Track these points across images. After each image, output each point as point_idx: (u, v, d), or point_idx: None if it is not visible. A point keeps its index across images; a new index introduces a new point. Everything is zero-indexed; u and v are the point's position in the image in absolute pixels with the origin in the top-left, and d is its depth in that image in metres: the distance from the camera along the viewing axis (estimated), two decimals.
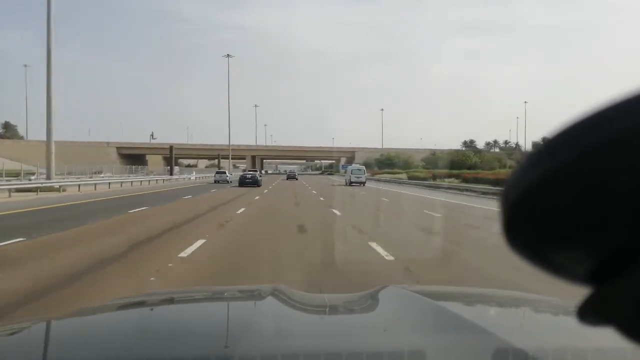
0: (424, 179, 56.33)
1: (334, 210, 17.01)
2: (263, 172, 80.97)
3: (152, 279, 6.35)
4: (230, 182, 46.94)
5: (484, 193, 28.15)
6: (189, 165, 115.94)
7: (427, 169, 74.90)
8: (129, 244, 9.07)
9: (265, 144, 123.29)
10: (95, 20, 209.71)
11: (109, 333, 1.48)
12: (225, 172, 53.03)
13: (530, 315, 1.86)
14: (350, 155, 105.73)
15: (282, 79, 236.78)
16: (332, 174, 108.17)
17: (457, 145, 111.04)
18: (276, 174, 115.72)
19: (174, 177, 56.88)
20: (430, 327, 1.44)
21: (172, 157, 62.06)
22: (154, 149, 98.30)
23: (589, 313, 0.45)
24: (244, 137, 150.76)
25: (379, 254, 8.29)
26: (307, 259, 7.72)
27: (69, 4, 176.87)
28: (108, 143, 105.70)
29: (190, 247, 8.61)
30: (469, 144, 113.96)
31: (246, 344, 1.23)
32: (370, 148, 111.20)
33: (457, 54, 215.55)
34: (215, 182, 48.21)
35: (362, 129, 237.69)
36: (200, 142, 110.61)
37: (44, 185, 26.42)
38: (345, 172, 55.71)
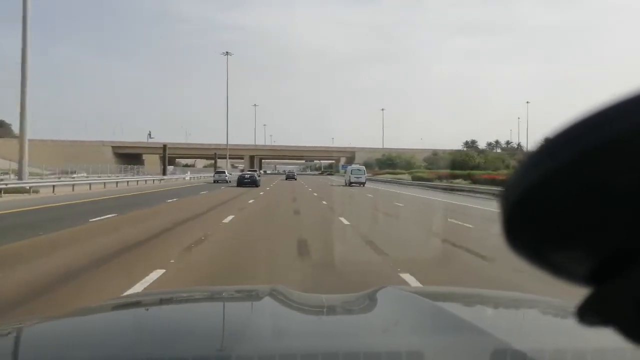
0: (429, 179, 54.26)
1: (343, 220, 14.10)
2: (261, 172, 79.66)
3: None
4: (229, 181, 46.56)
5: None
6: (186, 165, 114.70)
7: (429, 169, 73.29)
8: (53, 277, 6.25)
9: (264, 144, 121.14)
10: (94, 19, 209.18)
11: (107, 333, 1.46)
12: (224, 172, 53.01)
13: (529, 315, 1.83)
14: (350, 155, 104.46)
15: (282, 79, 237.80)
16: (331, 174, 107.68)
17: (457, 145, 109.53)
18: (275, 174, 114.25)
19: (167, 177, 53.86)
20: (429, 328, 1.41)
21: (165, 156, 59.33)
22: (150, 149, 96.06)
23: (589, 313, 0.45)
24: (243, 138, 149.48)
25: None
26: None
27: (69, 3, 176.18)
28: (103, 142, 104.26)
29: (137, 286, 5.74)
30: (471, 144, 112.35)
31: (244, 344, 1.22)
32: (370, 148, 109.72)
33: (457, 54, 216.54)
34: (214, 182, 48.23)
35: (361, 129, 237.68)
36: (198, 142, 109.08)
37: (10, 186, 23.64)
38: (345, 173, 54.88)
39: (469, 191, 32.93)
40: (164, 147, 59.91)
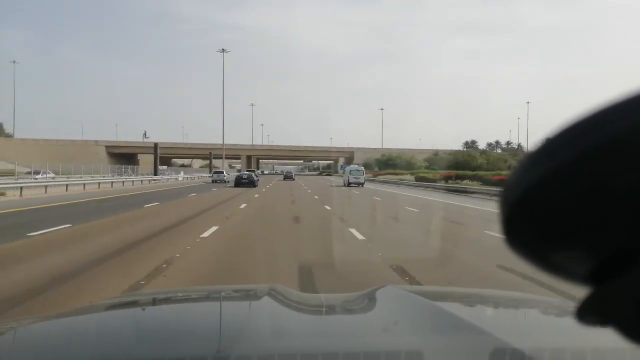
0: (434, 180, 51.52)
1: (355, 234, 11.22)
2: (259, 172, 77.42)
3: None
4: (228, 181, 46.28)
5: None
6: (182, 165, 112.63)
7: (432, 169, 71.23)
8: None
9: (261, 144, 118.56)
10: (92, 18, 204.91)
11: (105, 332, 1.45)
12: (222, 172, 53.11)
13: (528, 315, 1.83)
14: (349, 156, 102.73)
15: (281, 79, 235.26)
16: (330, 175, 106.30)
17: (457, 145, 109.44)
18: (273, 174, 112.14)
19: (158, 177, 50.76)
20: (428, 327, 1.41)
21: (156, 155, 56.44)
22: (145, 148, 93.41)
23: (589, 313, 0.45)
24: (242, 139, 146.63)
25: None
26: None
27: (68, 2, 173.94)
28: (97, 142, 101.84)
29: None
30: (471, 145, 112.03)
31: (243, 344, 1.20)
32: (369, 148, 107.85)
33: (457, 54, 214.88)
34: (213, 182, 48.37)
35: (360, 130, 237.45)
36: (193, 141, 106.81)
37: None
38: (343, 173, 54.03)
39: (483, 193, 30.10)
40: (155, 145, 57.13)
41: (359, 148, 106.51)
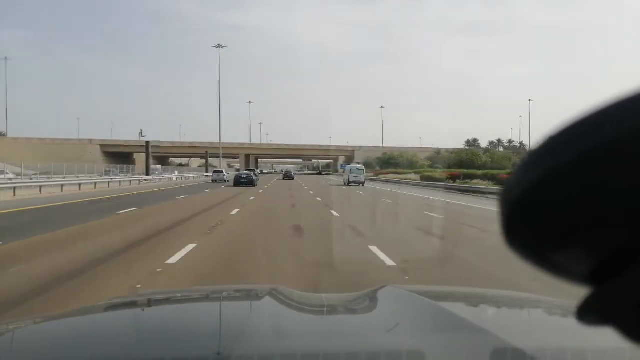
0: (440, 179, 48.81)
1: (377, 253, 8.32)
2: (258, 171, 75.64)
3: None
4: (227, 181, 46.16)
5: None
6: (180, 165, 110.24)
7: (437, 168, 69.12)
8: None
9: (260, 142, 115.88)
10: (92, 18, 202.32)
11: (106, 332, 1.44)
12: (222, 172, 53.25)
13: (529, 315, 1.82)
14: (350, 154, 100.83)
15: (281, 79, 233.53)
16: (329, 174, 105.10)
17: (457, 144, 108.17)
18: (272, 173, 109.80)
19: (149, 177, 47.62)
20: (429, 327, 1.40)
21: (148, 154, 53.52)
22: (142, 147, 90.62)
23: (589, 313, 0.45)
24: (240, 138, 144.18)
25: None
26: None
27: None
28: (91, 140, 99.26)
29: None
30: (472, 143, 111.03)
31: (244, 344, 1.20)
32: (370, 147, 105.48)
33: (457, 53, 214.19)
34: (213, 181, 48.35)
35: (360, 129, 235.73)
36: (190, 140, 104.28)
37: None
38: (344, 172, 53.00)
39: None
40: (147, 144, 54.12)
41: (360, 147, 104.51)
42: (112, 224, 12.77)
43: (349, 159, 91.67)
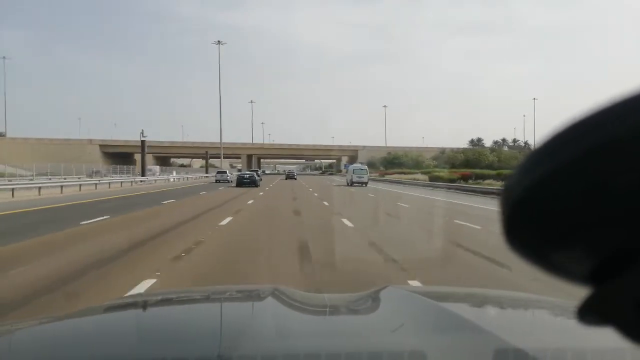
0: (450, 180, 46.92)
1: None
2: (261, 172, 74.13)
3: None
4: (230, 181, 46.51)
5: None
6: (182, 165, 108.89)
7: (441, 168, 67.55)
8: None
9: (262, 142, 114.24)
10: (92, 18, 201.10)
11: (108, 333, 1.44)
12: (225, 172, 53.83)
13: (530, 315, 1.82)
14: (353, 154, 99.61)
15: (282, 79, 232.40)
16: (332, 174, 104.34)
17: (460, 144, 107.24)
18: (274, 173, 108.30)
19: (144, 178, 45.39)
20: (431, 328, 1.40)
21: (143, 154, 51.70)
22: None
23: (589, 313, 0.45)
24: (242, 139, 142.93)
25: None
26: None
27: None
28: (90, 140, 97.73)
29: None
30: (477, 143, 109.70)
31: (246, 344, 1.20)
32: (373, 146, 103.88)
33: (457, 53, 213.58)
34: (216, 181, 48.81)
35: (362, 130, 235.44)
36: (191, 140, 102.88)
37: None
38: (347, 172, 52.41)
39: None
40: (142, 143, 52.27)
41: (363, 147, 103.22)
42: (69, 240, 10.77)
43: (352, 159, 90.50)
